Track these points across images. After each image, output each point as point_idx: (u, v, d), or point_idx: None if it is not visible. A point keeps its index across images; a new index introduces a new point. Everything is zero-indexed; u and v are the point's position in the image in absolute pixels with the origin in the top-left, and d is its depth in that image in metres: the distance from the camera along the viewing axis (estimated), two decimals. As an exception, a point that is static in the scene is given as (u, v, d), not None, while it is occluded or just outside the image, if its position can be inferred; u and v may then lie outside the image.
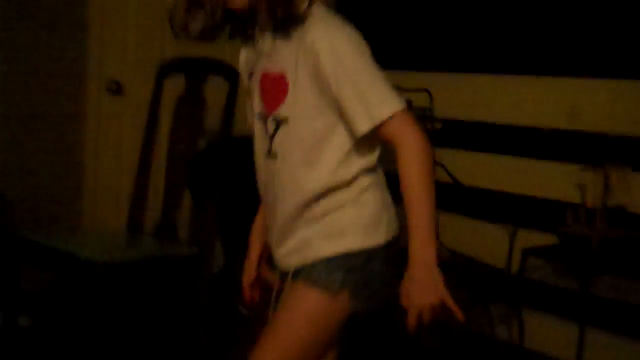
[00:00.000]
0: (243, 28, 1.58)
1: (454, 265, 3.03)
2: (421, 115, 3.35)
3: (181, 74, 3.27)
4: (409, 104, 3.38)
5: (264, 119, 1.56)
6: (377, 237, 1.53)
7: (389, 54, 3.72)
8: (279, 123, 1.52)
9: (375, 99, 1.44)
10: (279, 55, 1.51)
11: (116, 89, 3.56)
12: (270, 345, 1.52)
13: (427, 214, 1.44)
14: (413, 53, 3.54)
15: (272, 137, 1.54)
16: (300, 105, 1.49)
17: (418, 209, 1.44)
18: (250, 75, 1.61)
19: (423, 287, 1.42)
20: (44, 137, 3.46)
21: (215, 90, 3.12)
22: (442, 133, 3.35)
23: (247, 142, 1.67)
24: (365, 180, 1.54)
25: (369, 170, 1.54)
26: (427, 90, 3.35)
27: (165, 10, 1.60)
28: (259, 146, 1.59)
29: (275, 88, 1.52)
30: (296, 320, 1.52)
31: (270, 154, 1.55)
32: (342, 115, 1.47)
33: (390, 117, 1.44)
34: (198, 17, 1.52)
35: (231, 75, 2.85)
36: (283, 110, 1.51)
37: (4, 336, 2.87)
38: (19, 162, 3.38)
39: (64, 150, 3.52)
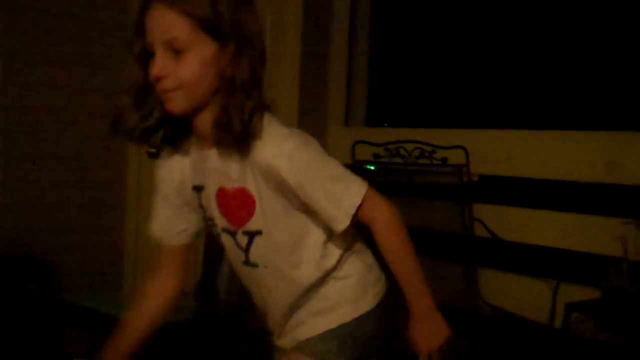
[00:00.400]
0: (177, 137, 1.54)
1: (496, 322, 2.99)
2: (457, 172, 3.38)
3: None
4: (445, 161, 3.42)
5: (231, 233, 1.54)
6: (367, 303, 1.57)
7: (425, 113, 3.78)
8: (252, 235, 1.52)
9: (343, 194, 1.44)
10: (231, 170, 1.46)
11: (156, 153, 3.61)
12: None
13: (414, 269, 1.49)
14: (449, 111, 3.58)
15: (246, 249, 1.54)
16: (271, 215, 1.48)
17: (405, 268, 1.49)
18: (198, 189, 1.57)
19: (428, 333, 1.48)
20: (85, 203, 3.53)
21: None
22: (480, 189, 3.35)
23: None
24: (345, 256, 1.57)
25: (347, 249, 1.57)
26: (462, 147, 3.37)
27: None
28: (232, 255, 1.59)
29: (241, 203, 1.49)
30: None
31: (249, 264, 1.56)
32: (317, 216, 1.48)
33: (360, 202, 1.46)
34: (133, 116, 1.46)
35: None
36: (254, 224, 1.50)
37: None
38: (62, 228, 3.44)
39: (105, 214, 3.58)
